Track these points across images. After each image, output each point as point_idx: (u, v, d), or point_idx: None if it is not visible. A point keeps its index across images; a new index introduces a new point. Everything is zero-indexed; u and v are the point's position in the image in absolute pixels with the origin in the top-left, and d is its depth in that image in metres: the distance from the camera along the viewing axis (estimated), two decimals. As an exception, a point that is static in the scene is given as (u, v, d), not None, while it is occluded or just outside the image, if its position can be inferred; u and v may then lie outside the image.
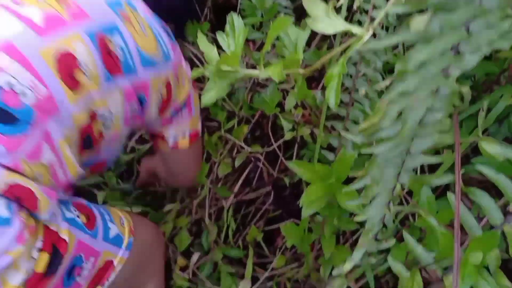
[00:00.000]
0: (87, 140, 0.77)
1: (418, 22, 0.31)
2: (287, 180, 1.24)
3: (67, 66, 0.68)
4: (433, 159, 0.49)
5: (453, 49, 0.37)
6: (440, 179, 0.50)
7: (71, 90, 0.69)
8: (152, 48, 0.81)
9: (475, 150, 1.05)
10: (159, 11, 0.91)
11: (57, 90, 0.67)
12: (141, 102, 0.84)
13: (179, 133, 0.98)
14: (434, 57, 0.35)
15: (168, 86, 0.87)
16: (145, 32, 0.81)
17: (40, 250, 0.67)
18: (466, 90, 0.42)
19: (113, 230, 0.83)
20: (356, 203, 0.51)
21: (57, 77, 0.67)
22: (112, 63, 0.75)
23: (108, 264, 0.81)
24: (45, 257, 0.67)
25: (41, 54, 0.66)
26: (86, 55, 0.71)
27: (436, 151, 0.90)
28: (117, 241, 0.83)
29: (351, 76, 0.74)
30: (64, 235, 0.71)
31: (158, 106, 0.88)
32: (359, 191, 0.55)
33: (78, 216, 0.77)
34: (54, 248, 0.69)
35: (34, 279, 0.66)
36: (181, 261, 1.15)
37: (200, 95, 0.94)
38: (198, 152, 1.13)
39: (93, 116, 0.75)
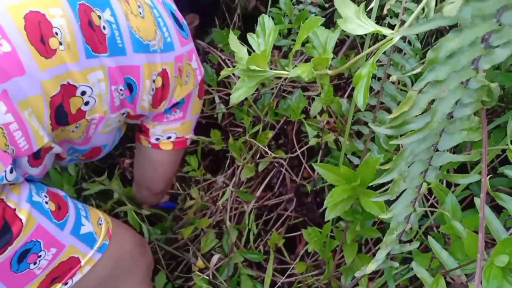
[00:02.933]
0: (60, 113, 0.72)
1: (450, 8, 0.31)
2: (309, 187, 1.24)
3: (39, 29, 0.66)
4: (460, 158, 0.49)
5: (483, 41, 0.37)
6: (466, 178, 0.50)
7: (42, 56, 0.66)
8: (149, 32, 0.78)
9: (504, 163, 1.04)
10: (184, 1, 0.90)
11: (23, 51, 0.64)
12: (131, 88, 0.80)
13: (165, 134, 0.94)
14: (464, 47, 0.36)
15: (164, 76, 0.84)
16: (142, 15, 0.78)
17: None
18: (494, 86, 0.43)
19: (86, 227, 0.77)
20: (382, 198, 0.51)
21: (24, 36, 0.65)
22: (94, 38, 0.72)
23: (73, 261, 0.74)
24: None
25: (8, 9, 0.64)
26: (64, 24, 0.68)
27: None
28: (88, 240, 0.76)
29: (379, 79, 0.75)
30: (22, 215, 0.66)
31: (151, 95, 0.84)
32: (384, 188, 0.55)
33: (46, 203, 0.72)
34: (5, 223, 0.64)
35: None
36: (200, 263, 1.15)
37: (203, 100, 0.94)
38: (177, 160, 1.05)
39: (69, 90, 0.71)
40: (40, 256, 0.69)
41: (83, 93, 0.74)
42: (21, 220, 0.66)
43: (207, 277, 1.07)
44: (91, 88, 0.74)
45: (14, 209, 0.66)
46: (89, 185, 1.21)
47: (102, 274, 0.79)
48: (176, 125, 0.93)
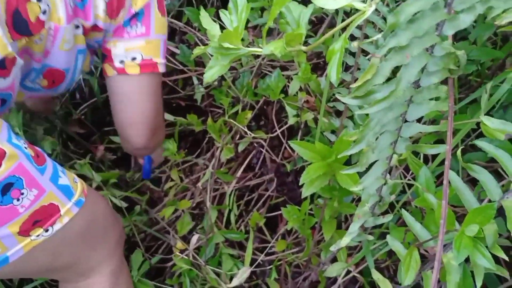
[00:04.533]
0: (18, 20, 0.70)
1: (409, -30, 0.31)
2: (290, 167, 1.24)
3: None
4: (429, 128, 0.49)
5: (446, 6, 0.37)
6: (435, 148, 0.50)
7: None
8: None
9: (480, 137, 1.05)
10: None
11: None
12: None
13: (128, 55, 0.86)
14: (426, 12, 0.35)
15: None
16: None
17: None
18: (461, 53, 0.42)
19: (63, 180, 0.76)
20: (352, 171, 0.51)
21: None
22: None
23: (54, 208, 0.74)
24: None
25: None
26: None
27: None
28: (66, 191, 0.76)
29: (353, 55, 0.74)
30: (4, 148, 0.67)
31: (106, 3, 0.79)
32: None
33: (25, 148, 0.72)
34: None
35: None
36: (179, 244, 1.15)
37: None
38: (153, 96, 0.93)
39: None
40: (23, 193, 0.70)
41: None
42: (4, 153, 0.67)
43: (187, 257, 1.07)
44: None
45: None
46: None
47: (77, 232, 0.79)
48: (140, 42, 0.86)
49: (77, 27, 0.80)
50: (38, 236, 0.72)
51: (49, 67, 0.83)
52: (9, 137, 0.71)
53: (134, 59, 0.87)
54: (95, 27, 0.82)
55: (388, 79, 0.42)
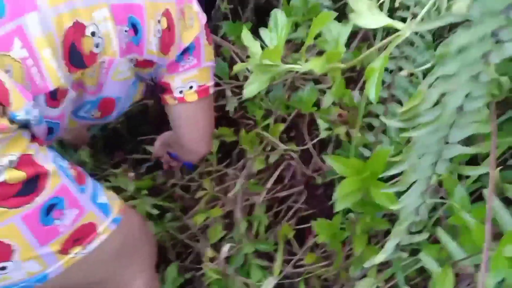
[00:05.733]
0: (74, 54, 0.74)
1: (460, 6, 0.32)
2: (320, 180, 1.25)
3: None
4: (470, 150, 0.50)
5: (493, 36, 0.38)
6: (475, 170, 0.51)
7: None
8: None
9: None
10: None
11: None
12: (136, 29, 0.81)
13: (186, 85, 0.94)
14: (474, 43, 0.37)
15: (169, 17, 0.84)
16: None
17: (14, 166, 0.67)
18: (504, 79, 0.44)
19: (102, 199, 0.80)
20: (392, 190, 0.52)
21: None
22: None
23: (93, 226, 0.77)
24: (19, 175, 0.67)
25: None
26: None
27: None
28: (105, 209, 0.80)
29: (390, 72, 0.75)
30: (49, 169, 0.71)
31: (159, 39, 0.84)
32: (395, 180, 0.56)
33: (69, 169, 0.76)
34: (37, 175, 0.69)
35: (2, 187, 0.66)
36: (210, 252, 1.17)
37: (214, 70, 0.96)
38: (209, 113, 1.05)
39: (79, 28, 0.73)
40: (64, 214, 0.73)
41: (93, 34, 0.75)
42: (48, 174, 0.70)
43: (217, 267, 1.09)
44: (98, 27, 0.75)
45: (42, 166, 0.70)
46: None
47: (113, 249, 0.82)
48: (194, 72, 0.94)
49: (131, 60, 0.84)
50: (76, 253, 0.76)
51: (102, 98, 0.88)
52: (54, 159, 0.74)
53: (191, 87, 0.95)
54: (148, 62, 0.87)
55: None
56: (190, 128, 1.03)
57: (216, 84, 1.41)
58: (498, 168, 0.63)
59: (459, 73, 0.38)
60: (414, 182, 0.53)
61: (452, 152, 0.49)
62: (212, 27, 1.41)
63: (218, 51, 1.44)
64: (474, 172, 0.51)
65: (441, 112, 0.41)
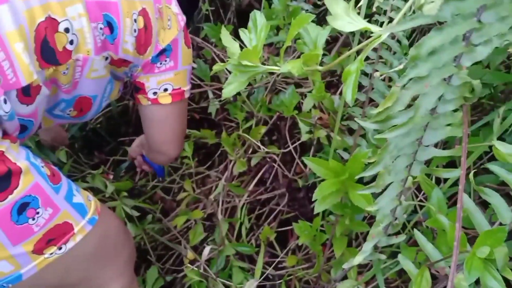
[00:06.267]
0: (46, 49, 0.73)
1: (430, 7, 0.33)
2: (301, 182, 1.26)
3: None
4: (444, 152, 0.51)
5: (465, 39, 0.38)
6: (450, 172, 0.52)
7: None
8: None
9: (492, 160, 1.06)
10: None
11: None
12: (111, 26, 0.80)
13: (161, 87, 0.93)
14: (446, 45, 0.37)
15: (145, 16, 0.83)
16: None
17: None
18: (476, 83, 0.44)
19: (78, 198, 0.78)
20: (368, 191, 0.53)
21: None
22: None
23: (67, 226, 0.75)
24: None
25: None
26: None
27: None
28: (80, 209, 0.78)
29: (367, 75, 0.76)
30: (22, 166, 0.69)
31: (135, 38, 0.83)
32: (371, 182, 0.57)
33: (42, 167, 0.74)
34: (8, 171, 0.67)
35: None
36: (190, 254, 1.16)
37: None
38: (181, 116, 1.04)
39: (51, 23, 0.72)
40: (38, 213, 0.71)
41: (67, 30, 0.74)
42: (20, 172, 0.68)
43: (197, 269, 1.09)
44: (71, 23, 0.74)
45: (15, 163, 0.68)
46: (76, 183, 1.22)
47: (89, 250, 0.80)
48: (170, 75, 0.93)
49: (106, 58, 0.83)
50: (51, 254, 0.74)
51: (78, 96, 0.86)
52: (27, 156, 0.72)
53: (166, 90, 0.94)
54: (123, 61, 0.86)
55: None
56: (160, 130, 1.02)
57: (198, 86, 1.41)
58: (473, 171, 0.64)
59: (431, 76, 0.38)
60: (389, 184, 0.54)
61: (426, 154, 0.50)
62: (193, 29, 1.41)
63: (199, 53, 1.44)
64: (448, 174, 0.52)
65: (414, 114, 0.41)
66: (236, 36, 0.79)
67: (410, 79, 0.39)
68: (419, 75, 0.37)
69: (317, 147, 1.24)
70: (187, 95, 0.98)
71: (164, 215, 1.32)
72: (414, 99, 0.43)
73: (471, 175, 0.65)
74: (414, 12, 0.59)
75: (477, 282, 0.59)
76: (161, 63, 0.91)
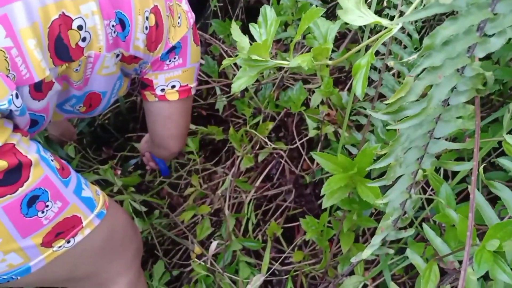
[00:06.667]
0: (60, 46, 0.73)
1: (446, -4, 0.33)
2: (308, 179, 1.26)
3: None
4: (456, 145, 0.50)
5: (479, 30, 0.38)
6: (460, 165, 0.52)
7: None
8: None
9: (500, 155, 1.06)
10: None
11: None
12: (123, 24, 0.80)
13: (169, 83, 0.95)
14: (460, 35, 0.37)
15: (157, 14, 0.84)
16: None
17: None
18: (489, 74, 0.44)
19: (86, 192, 0.79)
20: (377, 184, 0.53)
21: None
22: None
23: (76, 220, 0.76)
24: (1, 164, 0.65)
25: None
26: None
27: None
28: (89, 203, 0.78)
29: (378, 70, 0.76)
30: (32, 159, 0.69)
31: (146, 35, 0.84)
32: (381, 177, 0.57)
33: (52, 160, 0.75)
34: (19, 164, 0.67)
35: None
36: (197, 249, 1.17)
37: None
38: (186, 112, 1.06)
39: (65, 20, 0.73)
40: (47, 206, 0.72)
41: (80, 27, 0.74)
42: (31, 165, 0.69)
43: (204, 264, 1.09)
44: (84, 20, 0.75)
45: (26, 156, 0.69)
46: (85, 175, 1.23)
47: (97, 243, 0.81)
48: (178, 72, 0.94)
49: (117, 55, 0.84)
50: (60, 247, 0.75)
51: (89, 92, 0.87)
52: (37, 149, 0.73)
53: (173, 87, 0.96)
54: (134, 58, 0.87)
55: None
56: (165, 125, 1.03)
57: (205, 82, 1.41)
58: (483, 165, 0.64)
59: (444, 66, 0.38)
60: (399, 177, 0.54)
61: (437, 147, 0.50)
62: (201, 25, 1.41)
63: (207, 49, 1.44)
64: (459, 167, 0.52)
65: (426, 105, 0.41)
66: (244, 32, 0.80)
67: (424, 70, 0.39)
68: (433, 65, 0.38)
69: (324, 143, 1.24)
70: (193, 91, 1.00)
71: (172, 210, 1.32)
72: (427, 89, 0.43)
73: (481, 170, 0.65)
74: (424, 5, 0.58)
75: (486, 276, 0.59)
76: (170, 61, 0.92)
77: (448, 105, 0.46)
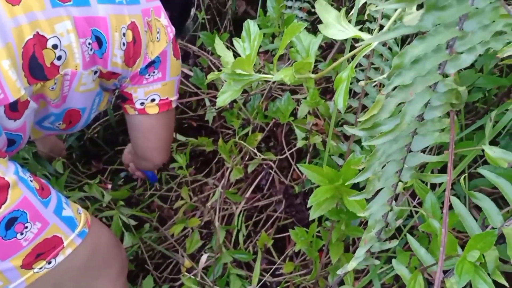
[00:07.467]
0: (35, 66, 0.73)
1: (410, 18, 0.33)
2: (298, 189, 1.26)
3: None
4: (432, 158, 0.51)
5: (448, 47, 0.39)
6: (439, 177, 0.52)
7: (9, 3, 0.70)
8: None
9: (487, 163, 1.06)
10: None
11: None
12: (100, 41, 0.80)
13: (148, 97, 0.95)
14: (429, 54, 0.38)
15: (134, 30, 0.84)
16: None
17: None
18: (462, 89, 0.45)
19: (67, 212, 0.78)
20: (359, 197, 0.53)
21: None
22: None
23: (57, 241, 0.75)
24: None
25: None
26: None
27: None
28: (70, 223, 0.77)
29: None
30: (10, 181, 0.68)
31: (124, 51, 0.84)
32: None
33: (31, 181, 0.74)
34: None
35: None
36: (187, 263, 1.17)
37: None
38: (168, 125, 1.05)
39: (40, 40, 0.73)
40: (26, 227, 0.71)
41: (55, 46, 0.75)
42: (8, 186, 0.68)
43: (194, 278, 1.09)
44: (60, 39, 0.75)
45: (3, 177, 0.68)
46: (70, 193, 1.22)
47: (80, 263, 0.80)
48: (157, 86, 0.94)
49: (95, 72, 0.84)
50: (41, 268, 0.74)
51: (67, 109, 0.87)
52: (16, 170, 0.72)
53: (153, 100, 0.95)
54: (112, 74, 0.87)
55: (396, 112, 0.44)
56: (146, 138, 1.03)
57: (195, 94, 1.42)
58: (466, 174, 0.65)
59: (415, 83, 0.39)
60: (380, 190, 0.54)
61: (416, 160, 0.50)
62: (190, 38, 1.42)
63: (196, 61, 1.45)
64: (437, 179, 0.52)
65: (400, 121, 0.42)
66: (233, 44, 0.80)
67: (395, 87, 0.40)
68: (403, 83, 0.38)
69: (313, 153, 1.24)
70: (174, 105, 1.00)
71: (162, 223, 1.32)
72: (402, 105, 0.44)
73: (462, 180, 0.66)
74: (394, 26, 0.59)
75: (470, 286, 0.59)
76: (149, 75, 0.92)
77: (423, 119, 0.46)
